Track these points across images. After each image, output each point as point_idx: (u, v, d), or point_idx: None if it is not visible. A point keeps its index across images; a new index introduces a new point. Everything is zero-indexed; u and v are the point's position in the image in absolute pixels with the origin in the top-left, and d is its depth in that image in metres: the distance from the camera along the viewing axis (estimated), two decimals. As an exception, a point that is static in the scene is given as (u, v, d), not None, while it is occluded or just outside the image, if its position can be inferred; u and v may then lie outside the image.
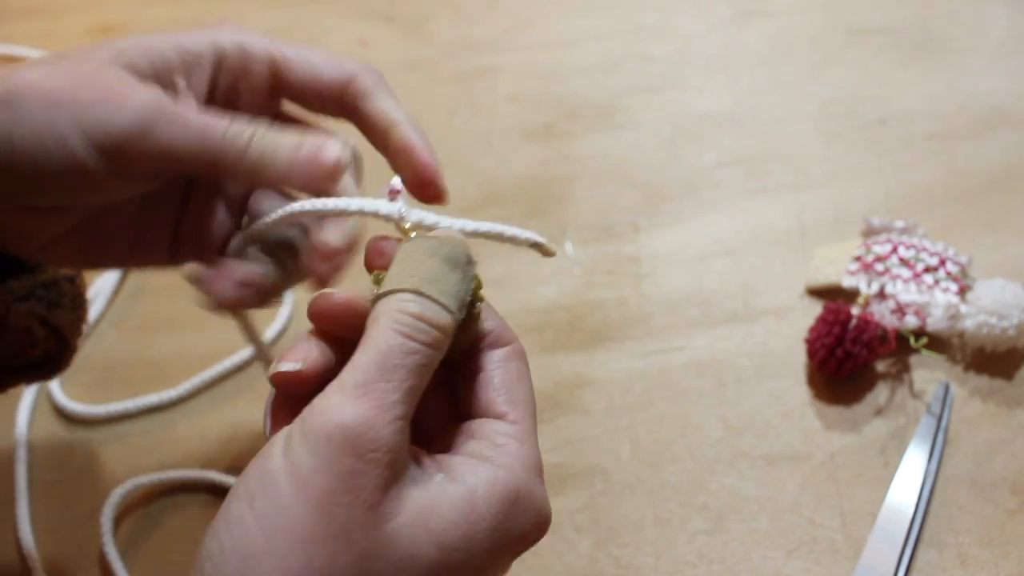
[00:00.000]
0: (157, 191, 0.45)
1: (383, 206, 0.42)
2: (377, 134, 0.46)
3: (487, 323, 0.40)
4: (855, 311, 0.59)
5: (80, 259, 0.46)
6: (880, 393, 0.59)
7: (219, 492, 0.59)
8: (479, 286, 0.39)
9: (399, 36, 0.84)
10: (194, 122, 0.41)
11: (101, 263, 0.49)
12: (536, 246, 0.43)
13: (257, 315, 0.66)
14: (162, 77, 0.43)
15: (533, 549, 0.55)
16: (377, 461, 0.33)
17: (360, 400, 0.33)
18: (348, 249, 0.43)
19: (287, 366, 0.37)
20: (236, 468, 0.60)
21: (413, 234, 0.40)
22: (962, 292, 0.60)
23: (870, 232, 0.64)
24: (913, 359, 0.60)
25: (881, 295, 0.60)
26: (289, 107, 0.48)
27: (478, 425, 0.38)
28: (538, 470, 0.38)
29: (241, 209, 0.47)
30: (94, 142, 0.40)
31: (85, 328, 0.53)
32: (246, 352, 0.65)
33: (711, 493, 0.56)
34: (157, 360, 0.66)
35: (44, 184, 0.41)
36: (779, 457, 0.57)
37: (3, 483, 0.61)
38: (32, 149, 0.40)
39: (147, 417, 0.63)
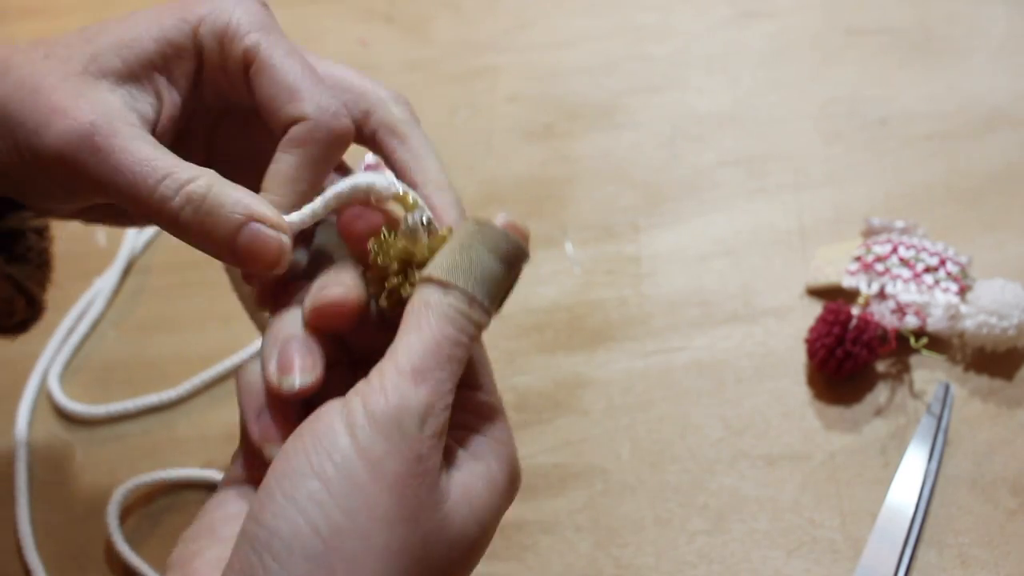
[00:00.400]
0: (182, 137, 0.43)
1: (381, 180, 0.40)
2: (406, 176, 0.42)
3: None
4: (855, 311, 0.59)
5: (101, 218, 0.46)
6: (880, 393, 0.59)
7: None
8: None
9: (399, 36, 0.84)
10: (126, 166, 0.37)
11: (126, 220, 0.47)
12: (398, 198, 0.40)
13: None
14: (138, 76, 0.40)
15: (533, 549, 0.55)
16: (436, 446, 0.35)
17: (420, 386, 0.34)
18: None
19: (304, 380, 0.37)
20: (236, 468, 0.60)
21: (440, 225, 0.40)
22: (962, 292, 0.60)
23: (870, 232, 0.64)
24: (913, 359, 0.60)
25: (881, 295, 0.60)
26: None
27: (465, 397, 0.39)
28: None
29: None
30: (30, 166, 0.39)
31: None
32: (246, 352, 0.65)
33: (711, 493, 0.56)
34: (157, 360, 0.66)
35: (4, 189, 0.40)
36: (779, 457, 0.57)
37: (3, 483, 0.61)
38: None
39: (147, 417, 0.63)
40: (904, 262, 0.61)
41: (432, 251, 0.38)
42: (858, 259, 0.62)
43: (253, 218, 0.38)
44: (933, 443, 0.55)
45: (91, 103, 0.38)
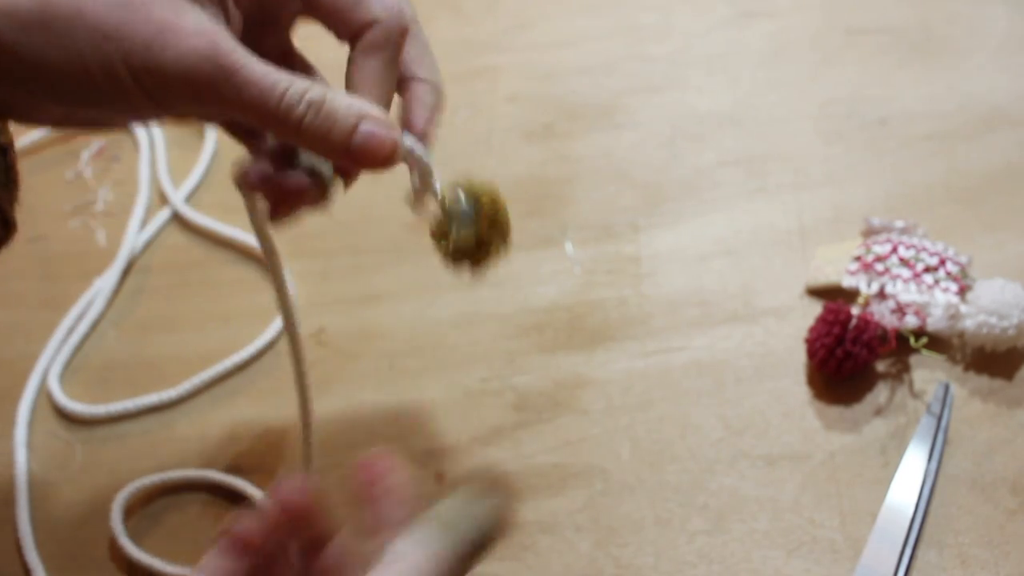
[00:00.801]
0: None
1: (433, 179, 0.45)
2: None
3: None
4: (855, 311, 0.59)
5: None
6: (880, 393, 0.59)
7: (219, 491, 0.59)
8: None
9: (399, 36, 0.84)
10: (252, 82, 0.39)
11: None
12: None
13: (253, 318, 0.67)
14: None
15: (533, 549, 0.55)
16: None
17: None
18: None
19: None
20: (236, 468, 0.60)
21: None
22: (962, 292, 0.60)
23: (870, 232, 0.64)
24: (913, 359, 0.60)
25: (881, 295, 0.60)
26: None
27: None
28: None
29: None
30: (141, 82, 0.38)
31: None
32: (246, 352, 0.65)
33: (711, 493, 0.56)
34: (157, 360, 0.66)
35: (74, 100, 0.40)
36: (779, 457, 0.57)
37: (3, 483, 0.61)
38: (70, 72, 0.38)
39: (147, 417, 0.63)
40: (904, 262, 0.61)
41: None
42: (858, 259, 0.62)
43: (366, 118, 0.41)
44: (933, 443, 0.55)
45: (194, 21, 0.39)
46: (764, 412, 0.59)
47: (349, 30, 0.43)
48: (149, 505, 0.59)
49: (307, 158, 0.46)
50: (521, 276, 0.67)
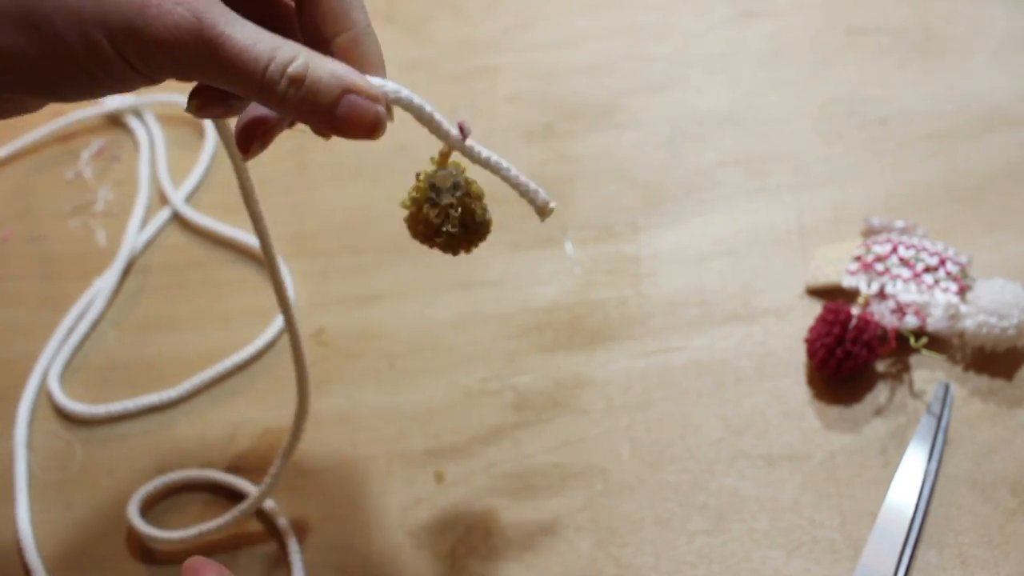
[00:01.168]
0: None
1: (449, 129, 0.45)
2: (329, 30, 0.43)
3: None
4: (855, 311, 0.59)
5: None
6: (880, 393, 0.59)
7: (220, 491, 0.59)
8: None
9: (399, 36, 0.84)
10: (235, 55, 0.38)
11: None
12: (540, 210, 0.47)
13: (253, 318, 0.67)
14: None
15: (533, 549, 0.55)
16: None
17: None
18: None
19: None
20: (236, 468, 0.60)
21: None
22: (962, 292, 0.60)
23: (870, 232, 0.64)
24: (913, 359, 0.60)
25: (881, 295, 0.60)
26: None
27: None
28: None
29: None
30: (127, 59, 0.38)
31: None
32: (246, 352, 0.65)
33: (711, 493, 0.56)
34: (157, 360, 0.66)
35: (51, 85, 0.40)
36: (779, 457, 0.57)
37: (3, 483, 0.61)
38: (52, 58, 0.38)
39: (147, 417, 0.63)
40: (904, 262, 0.61)
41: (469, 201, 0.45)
42: (858, 259, 0.62)
43: (349, 90, 0.40)
44: (933, 443, 0.55)
45: None
46: (764, 412, 0.59)
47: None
48: (153, 508, 0.59)
49: None
50: (521, 276, 0.67)
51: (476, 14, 0.85)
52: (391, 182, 0.72)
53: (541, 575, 0.54)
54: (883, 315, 0.59)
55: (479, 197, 0.46)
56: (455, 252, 0.45)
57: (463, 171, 0.46)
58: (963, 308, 0.59)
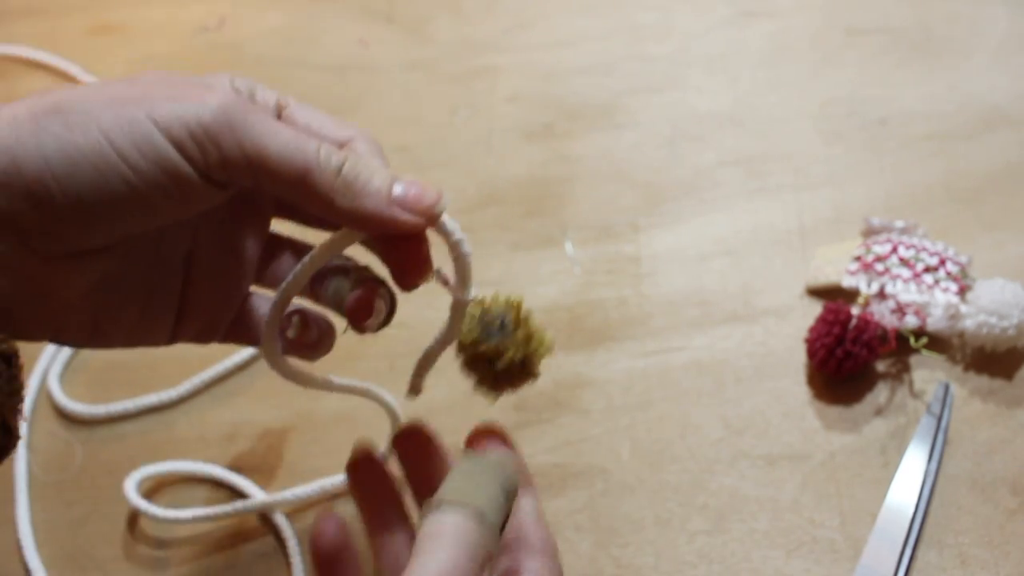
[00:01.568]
0: (164, 257, 0.42)
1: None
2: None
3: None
4: (855, 311, 0.59)
5: (88, 331, 0.42)
6: (880, 393, 0.59)
7: (221, 487, 0.59)
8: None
9: (399, 36, 0.84)
10: (285, 128, 0.37)
11: (108, 336, 0.43)
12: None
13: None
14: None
15: (533, 549, 0.55)
16: None
17: None
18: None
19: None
20: (236, 468, 0.60)
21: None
22: (962, 292, 0.60)
23: (870, 232, 0.64)
24: (913, 359, 0.59)
25: (881, 295, 0.60)
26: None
27: None
28: None
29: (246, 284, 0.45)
30: (175, 137, 0.36)
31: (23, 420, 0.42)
32: (246, 352, 0.64)
33: (711, 493, 0.56)
34: (157, 360, 0.66)
35: (103, 207, 0.36)
36: (779, 457, 0.57)
37: (3, 483, 0.61)
38: (94, 158, 0.35)
39: (147, 417, 0.63)
40: (904, 262, 0.61)
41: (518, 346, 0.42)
42: (858, 259, 0.62)
43: (400, 180, 0.39)
44: (933, 443, 0.55)
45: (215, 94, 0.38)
46: (764, 412, 0.59)
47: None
48: (151, 501, 0.59)
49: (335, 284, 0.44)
50: (521, 276, 0.67)
51: (476, 14, 0.85)
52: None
53: None
54: (883, 315, 0.59)
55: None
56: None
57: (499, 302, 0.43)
58: (963, 308, 0.58)
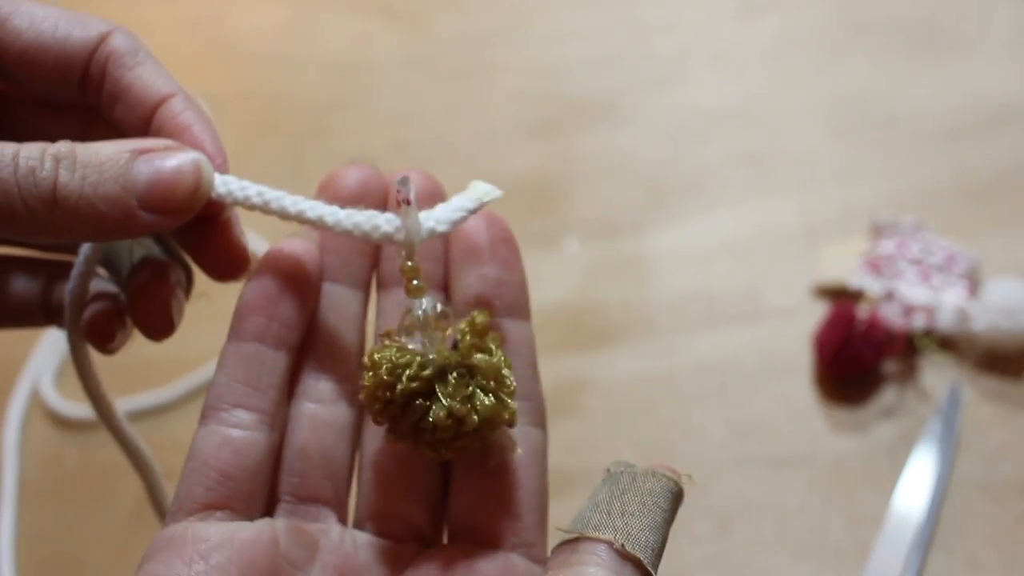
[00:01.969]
0: None
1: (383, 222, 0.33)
2: (139, 113, 0.33)
3: None
4: (863, 311, 0.58)
5: None
6: (888, 395, 0.58)
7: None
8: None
9: (399, 31, 0.83)
10: None
11: None
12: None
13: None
14: None
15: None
16: None
17: None
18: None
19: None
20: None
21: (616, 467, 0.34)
22: (972, 291, 0.59)
23: (878, 231, 0.64)
24: (922, 360, 0.59)
25: (889, 295, 0.60)
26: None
27: None
28: None
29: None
30: None
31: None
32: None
33: (716, 496, 0.55)
34: (151, 362, 0.65)
35: None
36: (785, 460, 0.56)
37: (-5, 486, 0.60)
38: None
39: (141, 419, 0.62)
40: (912, 261, 0.60)
41: (463, 355, 0.32)
42: (866, 258, 0.62)
43: (142, 151, 0.30)
44: (942, 446, 0.55)
45: None
46: (769, 414, 0.58)
47: (77, 56, 0.34)
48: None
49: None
50: (522, 275, 0.66)
51: (477, 9, 0.84)
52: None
53: (542, 581, 0.53)
54: (891, 315, 0.58)
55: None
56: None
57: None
58: (973, 308, 0.58)
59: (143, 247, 0.37)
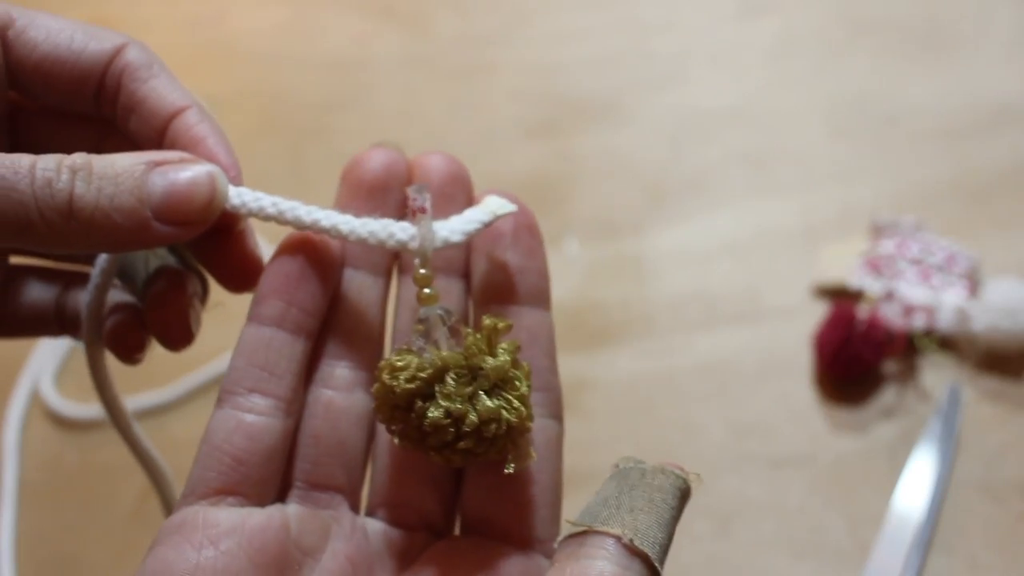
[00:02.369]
0: None
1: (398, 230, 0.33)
2: (153, 125, 0.34)
3: None
4: (863, 311, 0.58)
5: None
6: (888, 395, 0.58)
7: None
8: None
9: (399, 31, 0.83)
10: None
11: None
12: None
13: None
14: None
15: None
16: None
17: None
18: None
19: None
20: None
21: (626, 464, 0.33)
22: (972, 291, 0.59)
23: (878, 230, 0.64)
24: (922, 360, 0.59)
25: (889, 295, 0.59)
26: None
27: None
28: None
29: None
30: None
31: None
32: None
33: (716, 496, 0.55)
34: (151, 361, 0.65)
35: None
36: (785, 460, 0.56)
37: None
38: None
39: (141, 419, 0.62)
40: (912, 261, 0.60)
41: (467, 357, 0.32)
42: (866, 258, 0.61)
43: (157, 163, 0.31)
44: (942, 446, 0.55)
45: None
46: (769, 414, 0.58)
47: (92, 69, 0.34)
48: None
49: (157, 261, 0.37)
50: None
51: (477, 9, 0.84)
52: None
53: (542, 581, 0.53)
54: (891, 315, 0.58)
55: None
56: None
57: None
58: (973, 308, 0.58)
59: (158, 258, 0.37)
